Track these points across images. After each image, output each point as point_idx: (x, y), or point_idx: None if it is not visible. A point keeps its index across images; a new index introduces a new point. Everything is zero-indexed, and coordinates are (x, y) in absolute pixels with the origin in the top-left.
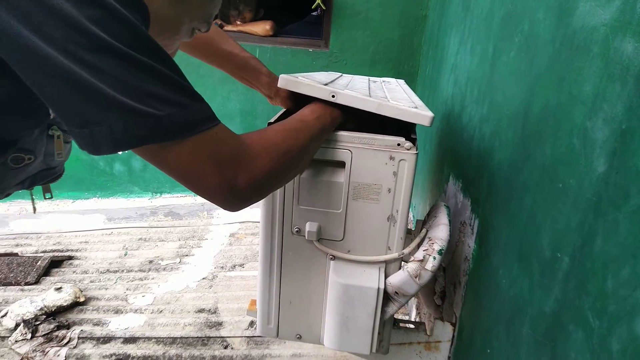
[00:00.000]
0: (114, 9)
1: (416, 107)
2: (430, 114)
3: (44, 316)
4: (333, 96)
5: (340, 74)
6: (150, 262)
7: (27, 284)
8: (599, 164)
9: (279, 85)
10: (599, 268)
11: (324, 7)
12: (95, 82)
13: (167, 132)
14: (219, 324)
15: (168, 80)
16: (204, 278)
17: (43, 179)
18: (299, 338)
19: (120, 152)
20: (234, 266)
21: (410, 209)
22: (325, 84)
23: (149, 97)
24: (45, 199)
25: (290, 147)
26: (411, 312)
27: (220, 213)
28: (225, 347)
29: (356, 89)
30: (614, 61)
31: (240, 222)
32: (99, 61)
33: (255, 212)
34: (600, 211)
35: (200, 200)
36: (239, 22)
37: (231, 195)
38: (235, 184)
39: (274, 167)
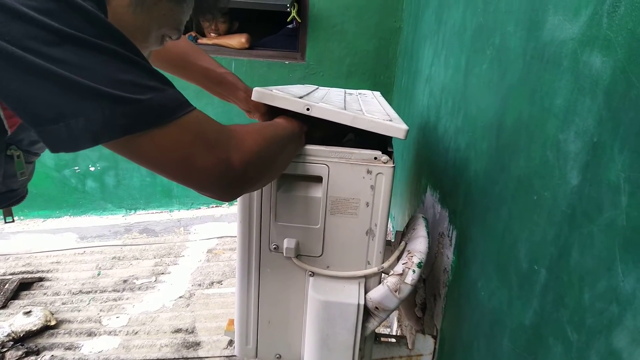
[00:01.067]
0: (69, 1)
1: (391, 120)
2: (404, 127)
3: (12, 342)
4: (308, 109)
5: (317, 86)
6: (125, 281)
7: None
8: (572, 177)
9: (252, 98)
10: (575, 281)
11: (299, 20)
12: (65, 73)
13: (149, 117)
14: (196, 344)
15: (139, 66)
16: (180, 297)
17: (4, 202)
18: (279, 358)
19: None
20: (212, 283)
21: (389, 220)
22: (301, 97)
23: (123, 83)
24: (6, 222)
25: (269, 136)
26: (392, 325)
27: (197, 229)
28: None
29: (332, 102)
30: (583, 75)
31: (218, 238)
32: (64, 53)
33: (233, 227)
34: (575, 224)
35: (176, 216)
36: (213, 35)
37: (228, 177)
38: (230, 163)
39: (261, 149)
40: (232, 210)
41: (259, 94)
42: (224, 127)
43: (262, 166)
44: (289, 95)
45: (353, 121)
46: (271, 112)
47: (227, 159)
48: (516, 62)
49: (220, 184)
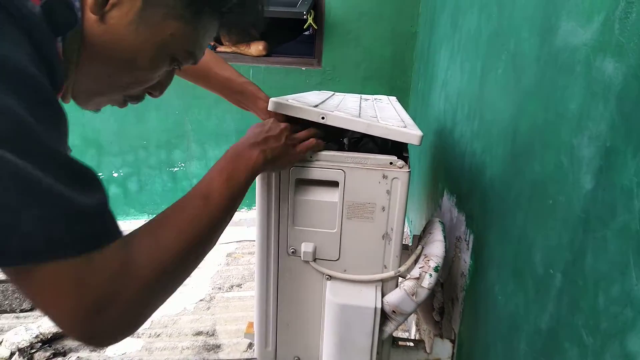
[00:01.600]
0: None
1: (405, 126)
2: (419, 133)
3: (40, 344)
4: (323, 118)
5: (333, 92)
6: None
7: (22, 310)
8: (586, 181)
9: (268, 109)
10: (590, 285)
11: (315, 26)
12: None
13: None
14: (217, 347)
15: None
16: (201, 300)
17: None
18: None
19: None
20: (232, 286)
21: (407, 224)
22: (316, 105)
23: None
24: None
25: (182, 251)
26: (411, 329)
27: None
28: None
29: (347, 109)
30: (596, 80)
31: (237, 242)
32: None
33: (251, 231)
34: (589, 228)
35: None
36: (230, 42)
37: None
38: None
39: (158, 276)
40: (251, 215)
41: (274, 104)
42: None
43: (158, 293)
44: (304, 105)
45: (367, 129)
46: (289, 121)
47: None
48: (530, 67)
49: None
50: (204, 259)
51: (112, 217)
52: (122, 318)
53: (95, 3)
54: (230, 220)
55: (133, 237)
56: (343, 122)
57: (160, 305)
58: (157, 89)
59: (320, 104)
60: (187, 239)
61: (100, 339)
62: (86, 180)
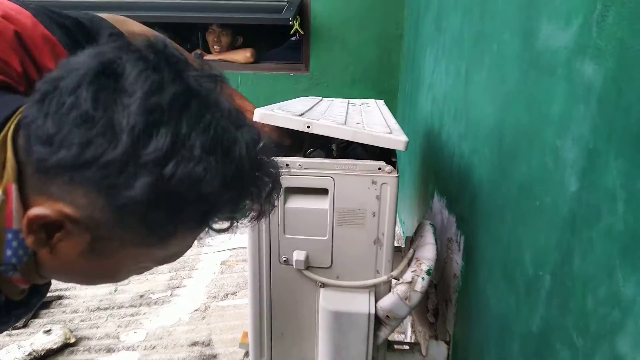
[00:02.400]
0: None
1: (391, 132)
2: (404, 139)
3: None
4: (308, 127)
5: (320, 98)
6: (141, 296)
7: (14, 328)
8: (571, 183)
9: (254, 119)
10: (578, 286)
11: (302, 32)
12: None
13: None
14: (213, 357)
15: None
16: (196, 310)
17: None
18: None
19: None
20: (227, 295)
21: (399, 225)
22: (302, 114)
23: None
24: None
25: None
26: (406, 331)
27: (210, 241)
28: None
29: (333, 116)
30: (577, 82)
31: (230, 249)
32: None
33: (245, 238)
34: (575, 229)
35: None
36: (216, 48)
37: None
38: None
39: None
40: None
41: (260, 115)
42: None
43: None
44: (290, 114)
45: (354, 136)
46: (279, 130)
47: None
48: (513, 70)
49: None
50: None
51: None
52: None
53: (38, 241)
54: None
55: None
56: (329, 130)
57: None
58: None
59: (306, 112)
60: None
61: None
62: None
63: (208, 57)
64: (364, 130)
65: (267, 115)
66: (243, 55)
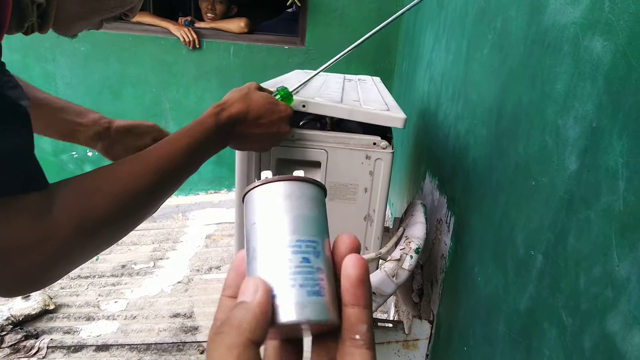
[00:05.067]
0: None
1: (388, 110)
2: (402, 115)
3: (11, 326)
4: (304, 106)
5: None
6: (123, 266)
7: None
8: (570, 162)
9: None
10: (571, 266)
11: (299, 4)
12: None
13: None
14: (194, 329)
15: None
16: (179, 282)
17: None
18: None
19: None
20: (210, 268)
21: (388, 207)
22: (296, 90)
23: None
24: None
25: (111, 215)
26: (390, 310)
27: (196, 214)
28: (202, 352)
29: (329, 94)
30: (584, 59)
31: (216, 224)
32: None
33: (232, 213)
34: (572, 209)
35: (174, 201)
36: (210, 16)
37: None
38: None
39: (114, 211)
40: (230, 197)
41: None
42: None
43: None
44: None
45: (350, 114)
46: None
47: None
48: (517, 46)
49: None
50: (181, 240)
51: (37, 164)
52: (29, 273)
53: None
54: (178, 185)
55: (59, 191)
56: (325, 109)
57: (79, 265)
58: (133, 11)
59: (301, 87)
60: (118, 202)
61: (2, 288)
62: (11, 117)
63: (200, 24)
64: (361, 107)
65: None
66: (237, 24)
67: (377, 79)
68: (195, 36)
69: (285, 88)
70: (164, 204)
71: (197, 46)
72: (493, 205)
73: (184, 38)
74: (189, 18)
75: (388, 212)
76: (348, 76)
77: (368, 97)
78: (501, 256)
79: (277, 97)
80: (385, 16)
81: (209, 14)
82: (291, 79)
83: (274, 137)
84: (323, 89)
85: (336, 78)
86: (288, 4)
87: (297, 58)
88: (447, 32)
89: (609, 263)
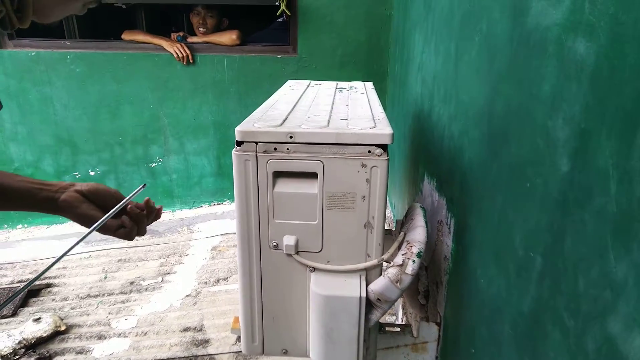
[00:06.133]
0: None
1: (375, 127)
2: (388, 131)
3: (23, 350)
4: (291, 137)
5: (308, 83)
6: (132, 283)
7: (3, 317)
8: (562, 163)
9: (237, 139)
10: (570, 268)
11: (288, 13)
12: None
13: None
14: (205, 342)
15: None
16: (187, 295)
17: None
18: (285, 353)
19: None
20: (218, 280)
21: (389, 208)
22: (284, 120)
23: None
24: None
25: None
26: (398, 313)
27: (201, 227)
28: None
29: (318, 113)
30: (568, 60)
31: (221, 235)
32: None
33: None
34: (567, 210)
35: (178, 215)
36: (202, 30)
37: None
38: None
39: None
40: (233, 207)
41: (242, 133)
42: None
43: None
44: (270, 127)
45: (337, 138)
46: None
47: None
48: (503, 48)
49: None
50: (187, 253)
51: None
52: None
53: None
54: None
55: None
56: (312, 136)
57: None
58: None
59: (289, 114)
60: None
61: None
62: None
63: (193, 39)
64: (347, 129)
65: (248, 132)
66: (229, 37)
67: (370, 85)
68: (188, 51)
69: None
70: (168, 219)
71: (191, 61)
72: (491, 207)
73: (177, 54)
74: (181, 33)
75: (390, 214)
76: (340, 84)
77: (356, 112)
78: (502, 257)
79: None
80: (374, 20)
81: (200, 29)
82: (280, 103)
83: None
84: (312, 109)
85: (328, 90)
86: (278, 13)
87: (291, 67)
88: (435, 35)
89: (606, 264)
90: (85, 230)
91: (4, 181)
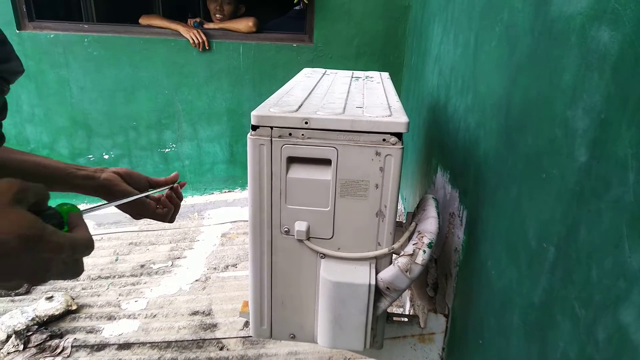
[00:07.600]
0: None
1: (390, 115)
2: (404, 120)
3: (36, 326)
4: (306, 122)
5: (324, 71)
6: (142, 266)
7: (17, 294)
8: (580, 154)
9: (252, 123)
10: (583, 258)
11: (306, 1)
12: None
13: None
14: (213, 326)
15: None
16: (196, 280)
17: None
18: (293, 338)
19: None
20: (227, 266)
21: (401, 201)
22: (299, 106)
23: None
24: None
25: None
26: (405, 305)
27: (211, 214)
28: (221, 349)
29: (333, 100)
30: (591, 50)
31: (231, 222)
32: None
33: (246, 211)
34: (583, 201)
35: (190, 201)
36: (218, 17)
37: None
38: None
39: None
40: (244, 195)
41: (257, 117)
42: None
43: None
44: (286, 112)
45: (352, 125)
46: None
47: None
48: (524, 38)
49: None
50: (197, 239)
51: None
52: None
53: None
54: None
55: None
56: (327, 123)
57: None
58: None
59: (304, 101)
60: None
61: None
62: None
63: (209, 25)
64: (363, 117)
65: (264, 117)
66: (245, 24)
67: (385, 75)
68: (204, 38)
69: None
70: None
71: (207, 48)
72: (505, 199)
73: (193, 40)
74: (197, 19)
75: (401, 206)
76: (356, 73)
77: (372, 101)
78: (514, 249)
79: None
80: (392, 10)
81: (217, 15)
82: (296, 89)
83: None
84: (327, 96)
85: (343, 78)
86: (295, 1)
87: (306, 55)
88: (454, 25)
89: (621, 254)
90: (128, 203)
91: (47, 162)
